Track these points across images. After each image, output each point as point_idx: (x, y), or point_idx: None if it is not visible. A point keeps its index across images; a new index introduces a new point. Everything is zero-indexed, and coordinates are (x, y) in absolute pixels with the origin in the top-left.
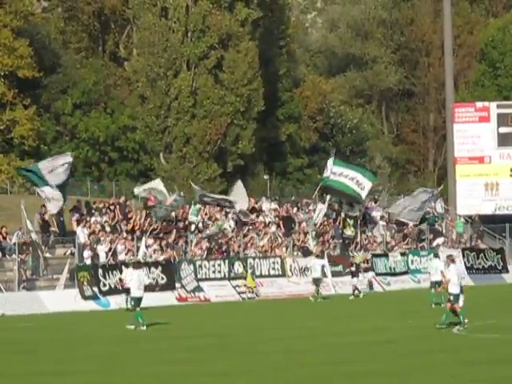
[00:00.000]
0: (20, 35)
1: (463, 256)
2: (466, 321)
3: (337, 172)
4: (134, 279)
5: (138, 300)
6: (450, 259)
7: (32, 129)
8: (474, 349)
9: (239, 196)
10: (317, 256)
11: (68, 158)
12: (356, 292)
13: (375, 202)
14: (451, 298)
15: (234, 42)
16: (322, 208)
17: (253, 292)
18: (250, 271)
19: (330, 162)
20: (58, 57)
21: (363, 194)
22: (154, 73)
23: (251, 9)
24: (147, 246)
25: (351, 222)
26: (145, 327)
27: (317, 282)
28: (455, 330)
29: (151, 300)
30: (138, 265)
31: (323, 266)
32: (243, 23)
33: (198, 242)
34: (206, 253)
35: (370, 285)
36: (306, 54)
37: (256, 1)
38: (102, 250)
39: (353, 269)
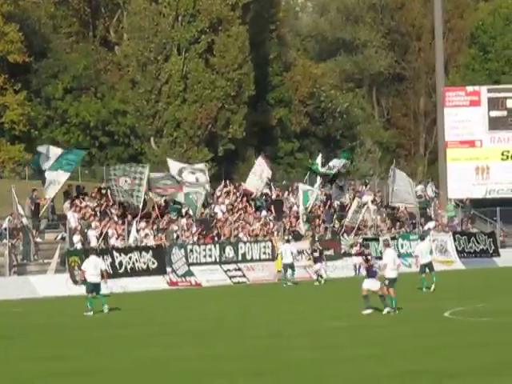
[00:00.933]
0: (10, 20)
1: (454, 240)
2: (395, 310)
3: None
4: (90, 265)
5: (93, 285)
6: (385, 244)
7: (22, 114)
8: (466, 332)
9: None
10: (287, 241)
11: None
12: (319, 278)
13: (365, 186)
14: (386, 282)
15: (224, 27)
16: (313, 192)
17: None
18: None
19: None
20: (48, 41)
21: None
22: (145, 57)
23: None
24: (138, 230)
25: None
26: (91, 313)
27: (287, 267)
28: (391, 313)
29: (142, 284)
30: (93, 251)
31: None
32: (233, 7)
33: (188, 226)
34: (196, 237)
35: (356, 269)
36: (297, 39)
37: None
38: (92, 234)
39: (316, 254)
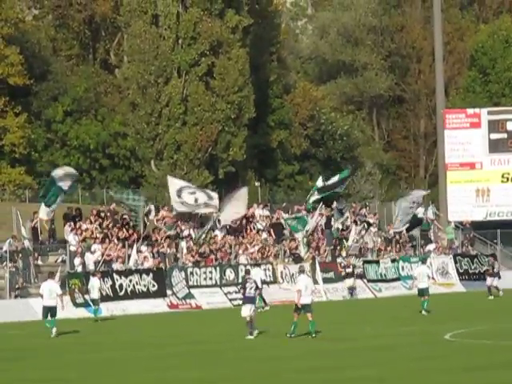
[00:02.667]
0: (10, 42)
1: (455, 262)
2: (314, 334)
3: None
4: (45, 289)
5: (48, 309)
6: (300, 270)
7: (23, 136)
8: (466, 355)
9: (240, 202)
10: (256, 265)
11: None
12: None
13: (365, 208)
14: (301, 308)
15: (224, 49)
16: (314, 215)
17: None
18: None
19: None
20: (48, 64)
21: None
22: (145, 80)
23: (242, 16)
24: (139, 252)
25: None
26: (54, 334)
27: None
28: (311, 337)
29: (143, 307)
30: (51, 275)
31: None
32: (234, 30)
33: (189, 249)
34: (197, 260)
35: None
36: (297, 61)
37: (246, 8)
38: (91, 257)
39: (349, 270)
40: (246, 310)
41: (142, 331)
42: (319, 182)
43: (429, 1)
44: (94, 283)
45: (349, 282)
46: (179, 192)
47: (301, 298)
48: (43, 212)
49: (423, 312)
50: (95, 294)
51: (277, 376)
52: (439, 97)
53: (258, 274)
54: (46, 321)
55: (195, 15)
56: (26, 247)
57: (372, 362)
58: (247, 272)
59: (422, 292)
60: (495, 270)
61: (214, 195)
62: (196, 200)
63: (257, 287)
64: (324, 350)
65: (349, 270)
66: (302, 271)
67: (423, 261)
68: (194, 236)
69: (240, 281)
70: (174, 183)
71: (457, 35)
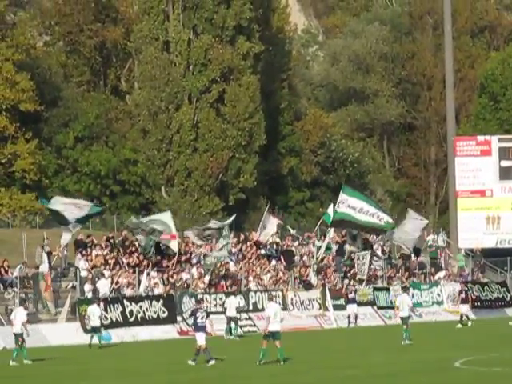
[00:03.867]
0: (21, 69)
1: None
2: (282, 362)
3: (342, 201)
4: (15, 316)
5: (17, 335)
6: (269, 297)
7: (33, 162)
8: (477, 382)
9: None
10: (232, 294)
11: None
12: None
13: (376, 236)
14: (269, 335)
15: (235, 76)
16: (324, 242)
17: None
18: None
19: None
20: (59, 90)
21: (383, 223)
22: (156, 106)
23: (253, 42)
24: (149, 279)
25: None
26: (14, 363)
27: (231, 320)
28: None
29: (153, 333)
30: (23, 302)
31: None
32: (245, 57)
33: (200, 275)
34: (207, 286)
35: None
36: (308, 88)
37: (257, 34)
38: (102, 284)
39: (462, 295)
40: (201, 339)
41: (152, 358)
42: (330, 210)
43: (440, 28)
44: (95, 310)
45: (350, 308)
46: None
47: (270, 325)
48: (65, 237)
49: (406, 342)
50: (96, 322)
51: None
52: (450, 124)
53: (232, 303)
54: (16, 349)
55: (206, 42)
56: (40, 272)
57: None
58: (198, 301)
59: (404, 321)
60: (468, 296)
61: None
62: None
63: (207, 316)
64: (333, 378)
65: (351, 296)
66: (270, 299)
67: (404, 290)
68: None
69: (251, 308)
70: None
71: (467, 62)
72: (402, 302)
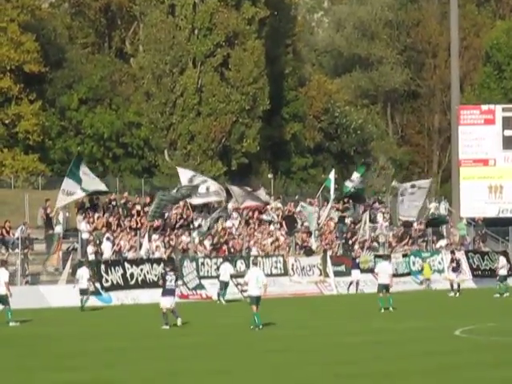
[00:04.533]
0: (26, 30)
1: (467, 258)
2: (260, 326)
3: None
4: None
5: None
6: (253, 262)
7: (37, 124)
8: (476, 351)
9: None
10: (227, 260)
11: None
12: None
13: (379, 203)
14: (248, 300)
15: (240, 41)
16: (326, 208)
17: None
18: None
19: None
20: (64, 52)
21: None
22: (160, 69)
23: (258, 7)
24: (150, 242)
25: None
26: (13, 323)
27: (224, 284)
28: (257, 329)
29: (153, 296)
30: (3, 263)
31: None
32: (250, 22)
33: (201, 240)
34: (209, 251)
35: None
36: (312, 54)
37: None
38: (106, 246)
39: (454, 265)
40: (166, 303)
41: (152, 321)
42: (332, 175)
43: None
44: (83, 273)
45: (356, 273)
46: (190, 181)
47: (252, 290)
48: (62, 200)
49: (390, 309)
50: (84, 284)
51: (284, 369)
52: (454, 93)
53: (227, 268)
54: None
55: (212, 6)
56: (56, 233)
57: (380, 356)
58: (167, 265)
59: (384, 288)
60: (459, 265)
61: (222, 187)
62: (208, 188)
63: (177, 279)
64: (333, 344)
65: (356, 261)
66: (255, 264)
67: (385, 258)
68: (203, 225)
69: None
70: (184, 173)
71: (473, 31)
72: (381, 269)
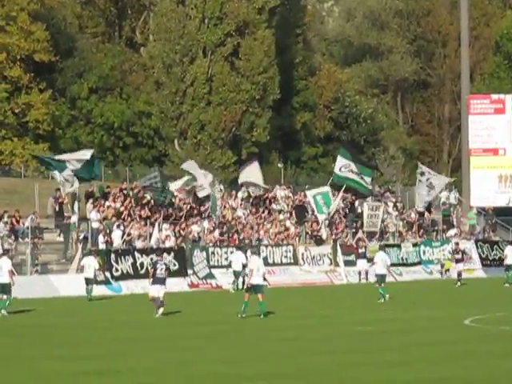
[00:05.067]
0: (36, 19)
1: (477, 247)
2: (262, 315)
3: (344, 165)
4: (3, 266)
5: (1, 286)
6: (253, 252)
7: (47, 113)
8: (484, 340)
9: (253, 176)
10: (238, 248)
11: (86, 155)
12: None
13: (391, 193)
14: (251, 288)
15: (250, 30)
16: (336, 198)
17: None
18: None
19: (339, 156)
20: (74, 41)
21: (369, 187)
22: (170, 59)
23: None
24: (160, 231)
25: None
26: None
27: (238, 274)
28: (260, 318)
29: None
30: (6, 252)
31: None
32: (260, 11)
33: (211, 229)
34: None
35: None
36: (322, 43)
37: None
38: (117, 235)
39: (458, 256)
40: (155, 291)
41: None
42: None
43: None
44: (91, 262)
45: (360, 263)
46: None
47: (252, 279)
48: (65, 188)
49: (384, 299)
50: (90, 273)
51: (295, 357)
52: (464, 82)
53: (239, 257)
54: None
55: None
56: (72, 222)
57: (389, 346)
58: (158, 254)
59: (379, 278)
60: (465, 255)
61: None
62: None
63: (167, 268)
64: (342, 333)
65: (361, 251)
66: (254, 252)
67: (380, 248)
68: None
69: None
70: (192, 168)
71: (483, 20)
72: (379, 259)
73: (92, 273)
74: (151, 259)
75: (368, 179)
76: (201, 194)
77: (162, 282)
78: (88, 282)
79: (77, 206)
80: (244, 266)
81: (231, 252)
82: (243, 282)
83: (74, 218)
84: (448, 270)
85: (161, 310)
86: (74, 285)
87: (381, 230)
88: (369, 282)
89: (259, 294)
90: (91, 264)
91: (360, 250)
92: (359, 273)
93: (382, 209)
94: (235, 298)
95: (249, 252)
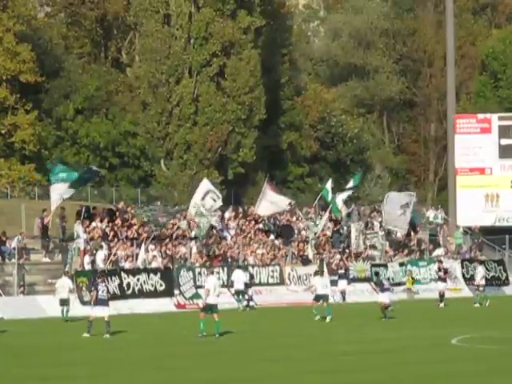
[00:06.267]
0: (22, 40)
1: (462, 267)
2: (217, 335)
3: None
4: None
5: None
6: (209, 272)
7: (33, 134)
8: (473, 360)
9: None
10: (238, 267)
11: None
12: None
13: (377, 212)
14: (208, 308)
15: (236, 50)
16: (323, 218)
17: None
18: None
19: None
20: (60, 62)
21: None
22: (156, 79)
23: (254, 17)
24: (147, 252)
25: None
26: None
27: (239, 293)
28: (214, 337)
29: (150, 306)
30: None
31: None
32: (246, 31)
33: (198, 249)
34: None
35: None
36: (308, 63)
37: (259, 9)
38: (100, 257)
39: (441, 274)
40: (100, 312)
41: (149, 330)
42: (329, 185)
43: (441, 5)
44: (64, 283)
45: (342, 284)
46: (205, 195)
47: (208, 298)
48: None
49: (318, 318)
50: (64, 294)
51: (282, 378)
52: (450, 101)
53: (240, 276)
54: None
55: (207, 15)
56: (74, 247)
57: (377, 366)
58: (99, 276)
59: (321, 298)
60: (447, 274)
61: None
62: (212, 206)
63: (108, 291)
64: (329, 353)
65: (341, 272)
66: (211, 272)
67: (315, 273)
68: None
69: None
70: (204, 184)
71: (469, 40)
72: (317, 282)
73: (66, 294)
74: (94, 280)
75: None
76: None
77: (104, 303)
78: (63, 303)
79: (81, 229)
80: (246, 285)
81: (217, 272)
82: (248, 300)
83: (80, 242)
84: (410, 288)
85: (108, 332)
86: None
87: (366, 249)
88: (345, 302)
89: (215, 313)
90: (65, 285)
91: (340, 271)
92: (342, 292)
93: (363, 229)
94: (221, 318)
95: (208, 272)
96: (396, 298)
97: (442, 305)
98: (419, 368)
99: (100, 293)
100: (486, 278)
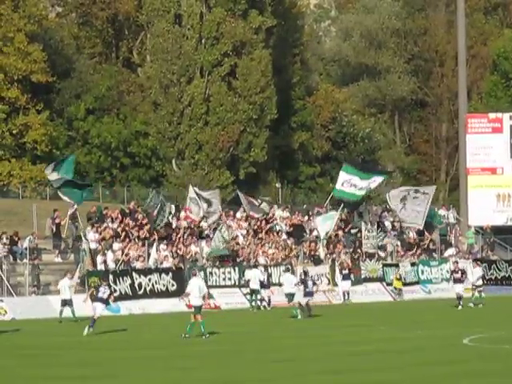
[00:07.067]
0: (34, 40)
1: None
2: (207, 335)
3: (346, 180)
4: None
5: None
6: (193, 273)
7: (45, 134)
8: (483, 360)
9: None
10: (254, 267)
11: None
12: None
13: (387, 212)
14: (193, 309)
15: (247, 50)
16: (334, 217)
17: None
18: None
19: (341, 171)
20: (71, 62)
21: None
22: (168, 79)
23: (265, 17)
24: (158, 252)
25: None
26: None
27: (254, 292)
28: (203, 338)
29: (161, 306)
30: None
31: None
32: (257, 31)
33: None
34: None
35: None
36: (320, 63)
37: (270, 9)
38: (110, 257)
39: (457, 275)
40: (97, 310)
41: (160, 330)
42: (339, 182)
43: (453, 5)
44: (65, 283)
45: (345, 284)
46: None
47: (193, 300)
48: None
49: (294, 318)
50: (66, 295)
51: (294, 378)
52: (461, 101)
53: (256, 275)
54: None
55: (218, 15)
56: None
57: (389, 365)
58: (104, 279)
59: (291, 296)
60: (464, 275)
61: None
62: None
63: (110, 292)
64: (341, 353)
65: (345, 272)
66: (194, 274)
67: (286, 270)
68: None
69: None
70: (191, 193)
71: (480, 40)
72: (286, 280)
73: (68, 294)
74: (99, 282)
75: (374, 184)
76: (210, 221)
77: (103, 301)
78: (65, 303)
79: (91, 234)
80: (262, 283)
81: (229, 272)
82: (260, 300)
83: (85, 246)
84: (400, 289)
85: (87, 330)
86: (74, 306)
87: (377, 248)
88: (350, 302)
89: (198, 314)
90: (66, 285)
91: (344, 272)
92: (347, 293)
93: (376, 230)
94: (233, 318)
95: (191, 274)
96: (408, 297)
97: (460, 307)
98: (430, 368)
99: (100, 294)
100: (484, 279)
